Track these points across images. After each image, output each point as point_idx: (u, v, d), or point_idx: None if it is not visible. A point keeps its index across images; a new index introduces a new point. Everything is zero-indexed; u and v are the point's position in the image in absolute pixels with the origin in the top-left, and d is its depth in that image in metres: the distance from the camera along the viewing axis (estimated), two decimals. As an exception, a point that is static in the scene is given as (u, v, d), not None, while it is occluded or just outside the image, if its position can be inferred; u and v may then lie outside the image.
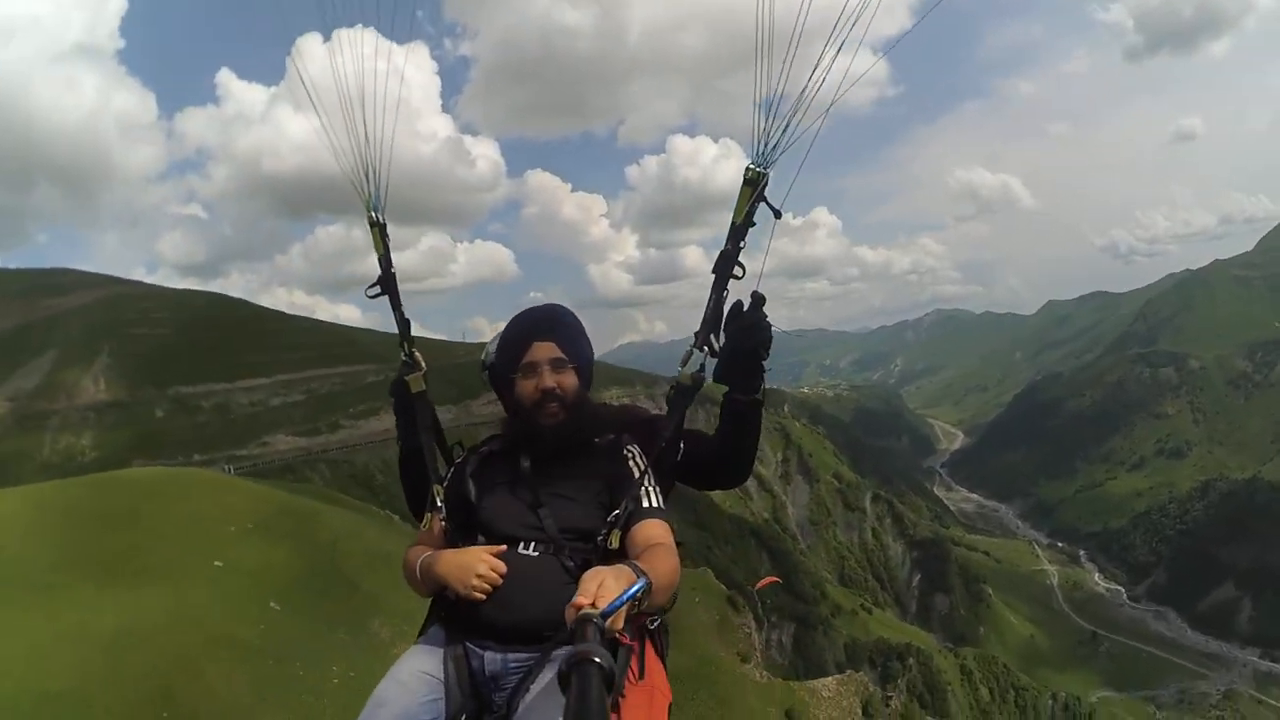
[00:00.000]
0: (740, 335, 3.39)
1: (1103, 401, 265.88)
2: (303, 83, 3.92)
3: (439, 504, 3.50)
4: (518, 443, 3.48)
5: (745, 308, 3.42)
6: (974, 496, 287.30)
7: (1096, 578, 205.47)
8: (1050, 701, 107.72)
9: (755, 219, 3.39)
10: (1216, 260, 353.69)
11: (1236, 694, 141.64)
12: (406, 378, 3.88)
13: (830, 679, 60.46)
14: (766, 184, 3.33)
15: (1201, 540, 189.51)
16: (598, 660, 1.77)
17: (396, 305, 4.07)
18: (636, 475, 3.34)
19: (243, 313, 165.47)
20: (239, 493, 35.74)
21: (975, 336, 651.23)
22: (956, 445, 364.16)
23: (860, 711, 54.14)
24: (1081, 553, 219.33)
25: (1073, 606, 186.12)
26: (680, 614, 55.06)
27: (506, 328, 3.67)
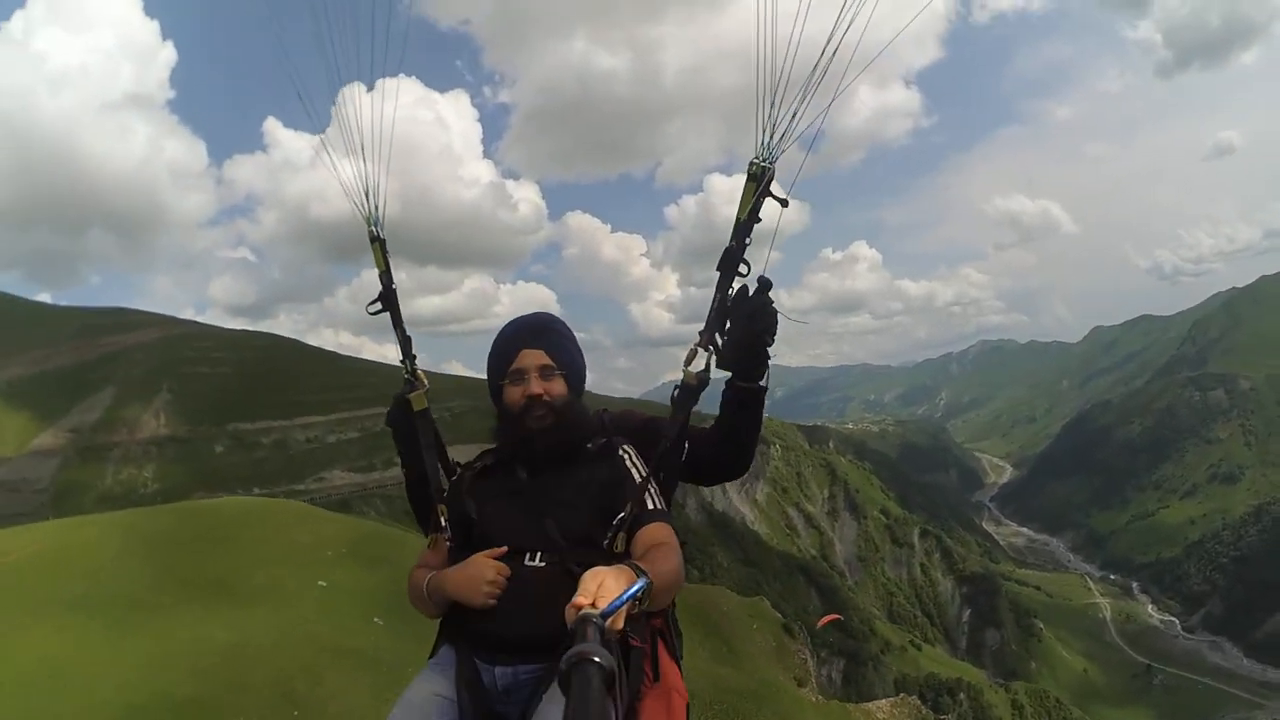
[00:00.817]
0: (745, 320, 3.36)
1: (1153, 428, 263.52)
2: (300, 98, 3.96)
3: (443, 523, 3.55)
4: (512, 453, 3.53)
5: (750, 293, 3.40)
6: (1024, 530, 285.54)
7: (1150, 609, 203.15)
8: None
9: (761, 215, 3.40)
10: (1263, 276, 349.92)
11: None
12: (409, 395, 3.89)
13: (884, 701, 61.90)
14: (771, 178, 3.34)
15: (1257, 566, 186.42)
16: (598, 660, 1.78)
17: (397, 322, 4.11)
18: (636, 478, 3.38)
19: (298, 353, 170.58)
20: (327, 521, 38.65)
21: (1021, 367, 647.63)
22: (1005, 479, 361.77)
23: None
24: (1134, 584, 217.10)
25: (1126, 639, 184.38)
26: (739, 639, 57.40)
27: (496, 336, 3.71)
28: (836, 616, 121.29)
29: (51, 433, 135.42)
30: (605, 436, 3.55)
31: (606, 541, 3.17)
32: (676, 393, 3.51)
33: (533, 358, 3.46)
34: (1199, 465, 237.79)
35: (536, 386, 3.39)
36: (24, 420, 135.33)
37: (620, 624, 2.25)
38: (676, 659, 3.31)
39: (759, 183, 3.26)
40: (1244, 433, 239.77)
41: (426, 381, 3.91)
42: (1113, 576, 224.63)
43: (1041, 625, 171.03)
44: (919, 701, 65.50)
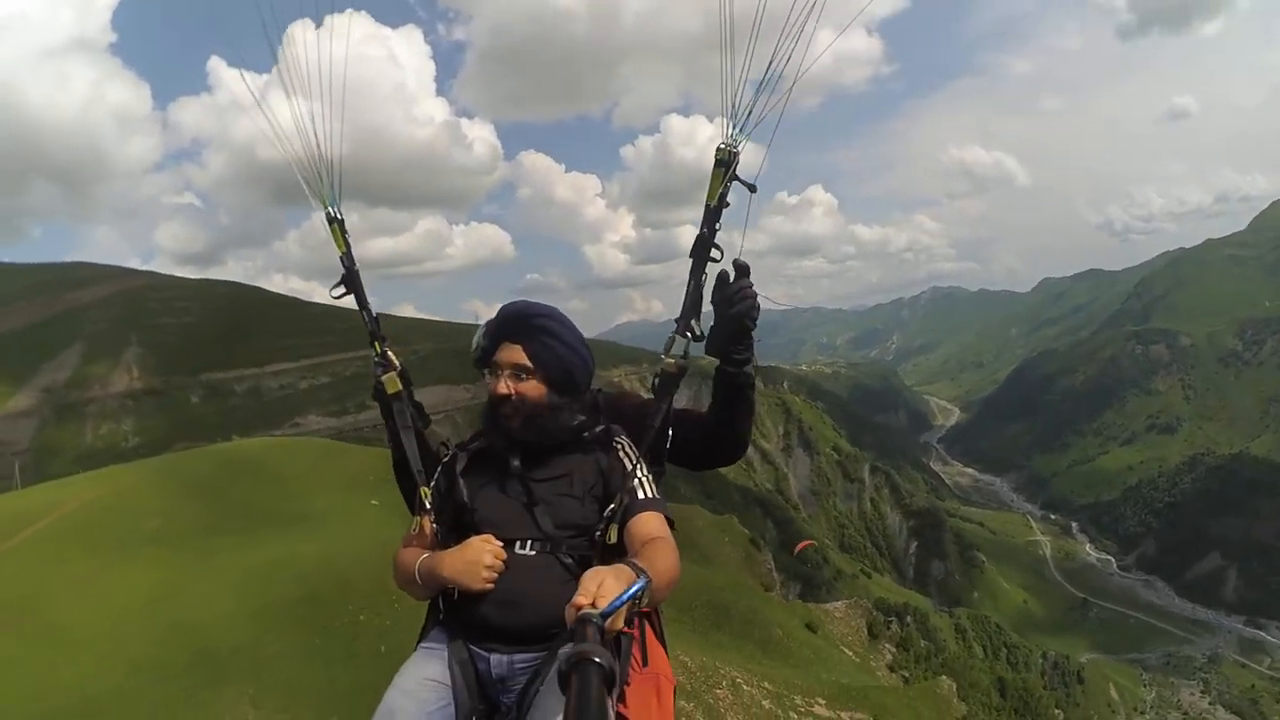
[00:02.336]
0: (725, 305, 3.32)
1: (1096, 378, 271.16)
2: (245, 82, 3.99)
3: (428, 506, 3.47)
4: (502, 440, 3.42)
5: (731, 278, 3.36)
6: (969, 470, 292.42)
7: (1088, 548, 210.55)
8: (1041, 659, 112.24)
9: (730, 199, 3.35)
10: (1209, 239, 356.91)
11: (1221, 658, 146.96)
12: (381, 378, 3.83)
13: (840, 603, 69.76)
14: (737, 163, 3.29)
15: (1190, 513, 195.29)
16: (598, 660, 1.77)
17: (363, 304, 4.00)
18: (629, 466, 3.32)
19: (261, 301, 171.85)
20: (352, 452, 42.56)
21: (971, 314, 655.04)
22: (953, 421, 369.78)
23: (866, 631, 61.10)
24: (1074, 524, 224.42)
25: (1064, 575, 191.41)
26: (712, 549, 63.24)
27: (495, 313, 3.62)
28: (811, 543, 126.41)
29: (24, 394, 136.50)
30: (601, 424, 3.52)
31: (599, 532, 3.19)
32: (656, 381, 3.53)
33: (509, 354, 3.41)
34: (1139, 415, 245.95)
35: (503, 387, 3.36)
36: None
37: (620, 624, 2.24)
38: (663, 642, 3.34)
39: (727, 168, 3.29)
40: (1183, 387, 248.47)
41: (399, 363, 3.87)
42: (1053, 516, 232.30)
43: (984, 558, 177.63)
44: (869, 604, 71.21)
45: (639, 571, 2.42)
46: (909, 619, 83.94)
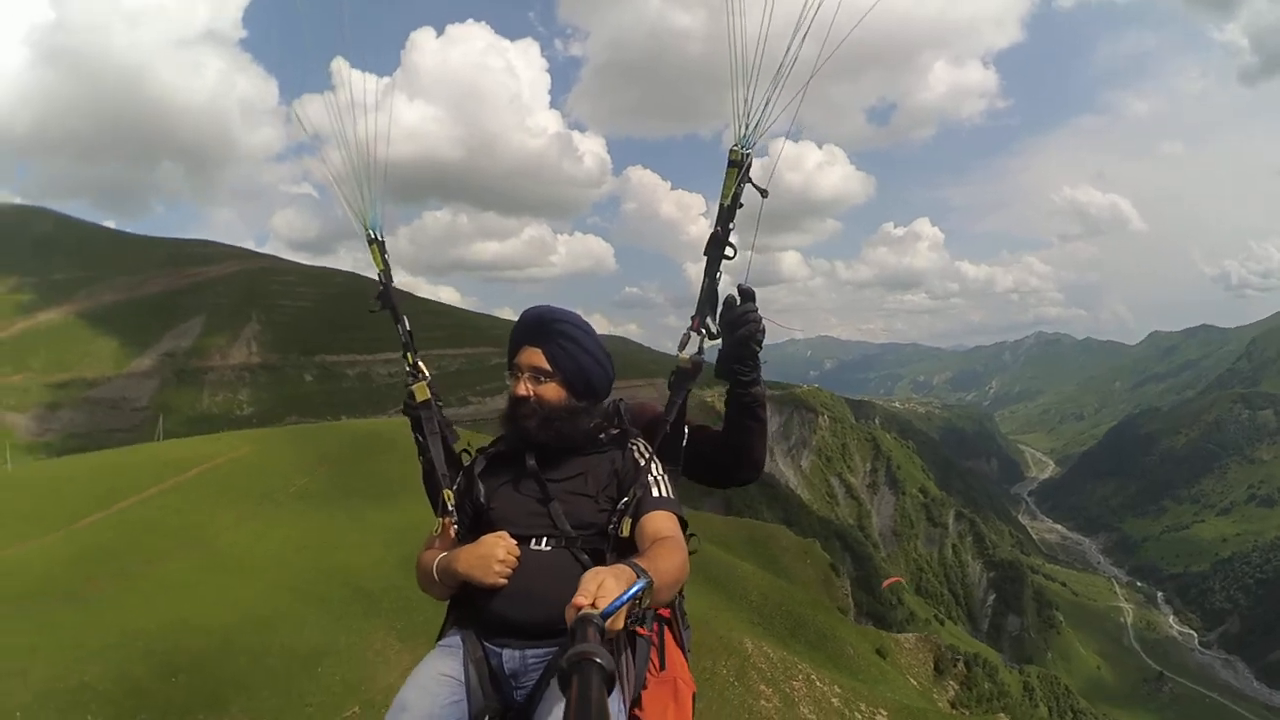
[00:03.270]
0: (731, 328, 3.41)
1: (1199, 441, 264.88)
2: (300, 123, 4.11)
3: (450, 508, 3.54)
4: (520, 441, 3.49)
5: (737, 302, 3.44)
6: (1058, 527, 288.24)
7: (1171, 620, 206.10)
8: None
9: (743, 200, 3.45)
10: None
11: None
12: (411, 386, 3.95)
13: (911, 634, 73.55)
14: (750, 165, 3.38)
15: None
16: (598, 661, 1.77)
17: (397, 319, 4.16)
18: (643, 464, 3.38)
19: (374, 291, 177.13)
20: (474, 437, 48.32)
21: (1075, 363, 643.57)
22: (1046, 474, 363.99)
23: (932, 665, 63.94)
24: (1159, 593, 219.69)
25: (1143, 646, 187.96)
26: (793, 569, 67.20)
27: (517, 319, 3.71)
28: (900, 579, 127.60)
29: (148, 356, 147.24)
30: (619, 428, 3.59)
31: (612, 526, 3.24)
32: (672, 378, 3.63)
33: (529, 357, 3.49)
34: (1239, 484, 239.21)
35: (521, 389, 3.45)
36: (119, 343, 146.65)
37: (620, 624, 2.26)
38: (683, 649, 3.39)
39: (740, 169, 3.39)
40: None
41: (428, 373, 4.03)
42: (1139, 583, 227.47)
43: (1062, 619, 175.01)
44: (939, 642, 73.25)
45: (640, 572, 2.46)
46: (977, 665, 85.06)
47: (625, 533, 3.18)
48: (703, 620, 39.52)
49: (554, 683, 2.84)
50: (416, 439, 3.93)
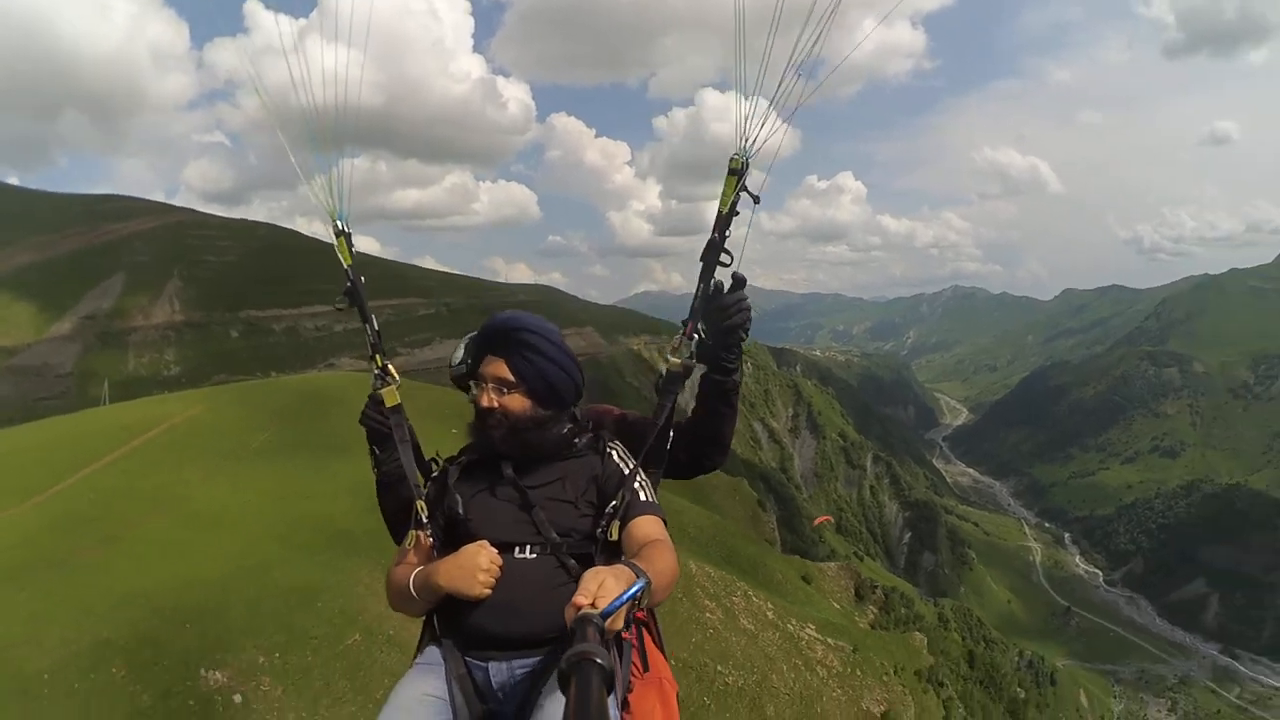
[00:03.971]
0: (718, 314, 3.36)
1: (1106, 394, 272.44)
2: (259, 94, 3.83)
3: (424, 520, 3.40)
4: (493, 450, 3.41)
5: (726, 289, 3.40)
6: (971, 471, 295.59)
7: (1077, 560, 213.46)
8: (1017, 657, 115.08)
9: (739, 208, 3.38)
10: (1235, 268, 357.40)
11: (1192, 681, 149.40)
12: (381, 390, 3.81)
13: (833, 563, 76.68)
14: (748, 173, 3.33)
15: (1181, 537, 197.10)
16: (598, 661, 1.76)
17: (366, 318, 3.97)
18: (626, 470, 3.34)
19: (298, 244, 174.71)
20: (422, 390, 49.11)
21: (990, 316, 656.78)
22: (960, 421, 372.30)
23: (853, 591, 66.98)
24: (1066, 535, 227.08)
25: (1051, 583, 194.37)
26: (724, 504, 70.00)
27: (482, 325, 3.60)
28: (829, 519, 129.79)
29: (68, 320, 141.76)
30: (591, 433, 3.57)
31: (601, 530, 3.20)
32: (661, 381, 3.58)
33: (493, 368, 3.42)
34: (1143, 435, 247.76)
35: (486, 400, 3.38)
36: (36, 307, 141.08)
37: (620, 624, 2.24)
38: (662, 649, 3.39)
39: (739, 177, 3.32)
40: (1191, 412, 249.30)
41: (398, 376, 3.89)
42: (1047, 525, 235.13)
43: (974, 556, 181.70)
44: (858, 567, 76.18)
45: (639, 572, 2.43)
46: (895, 595, 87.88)
47: (614, 536, 3.15)
48: None
49: (545, 689, 2.86)
50: (373, 451, 3.86)
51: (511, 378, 3.36)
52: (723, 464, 3.82)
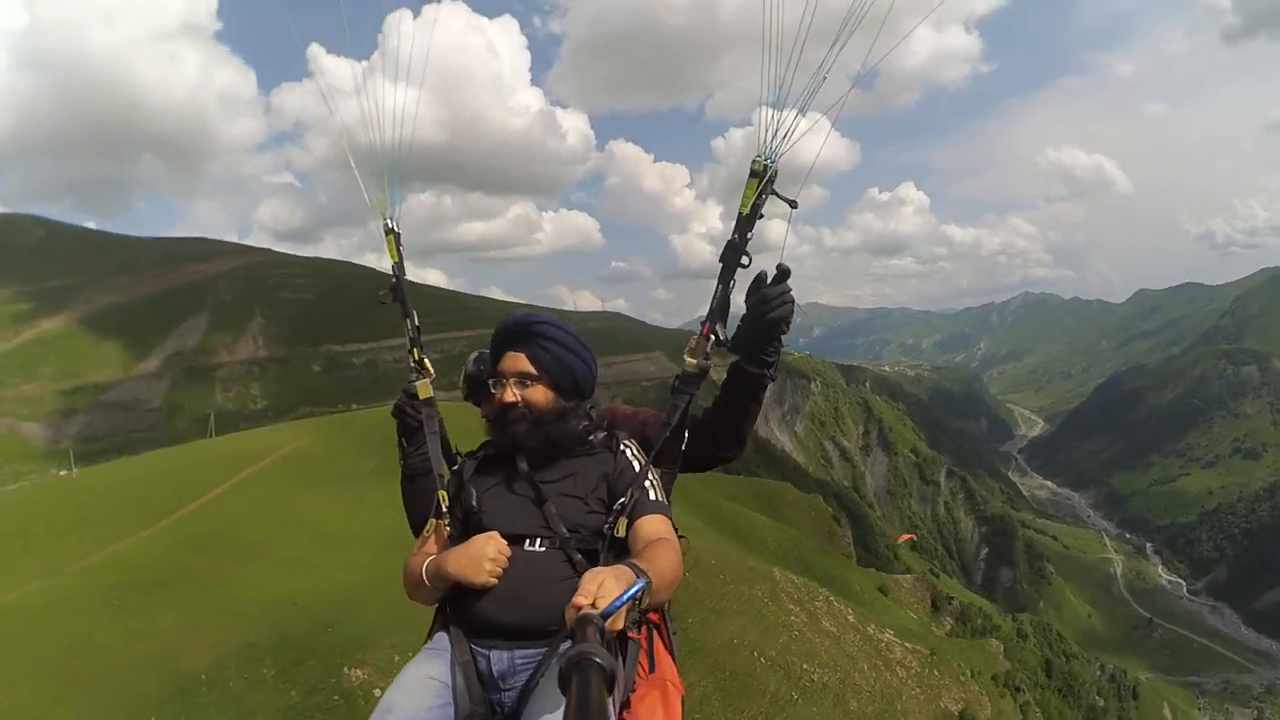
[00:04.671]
0: (763, 306, 3.28)
1: (1184, 396, 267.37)
2: (324, 96, 4.03)
3: (443, 510, 3.49)
4: (510, 446, 3.44)
5: (769, 279, 3.31)
6: (1048, 484, 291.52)
7: (1160, 570, 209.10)
8: (1098, 671, 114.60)
9: (764, 211, 3.35)
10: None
11: (1279, 690, 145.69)
12: (415, 383, 3.95)
13: (909, 575, 79.64)
14: (774, 177, 3.29)
15: (1265, 541, 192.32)
16: (598, 661, 1.75)
17: (407, 312, 4.10)
18: (638, 468, 3.36)
19: (372, 280, 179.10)
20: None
21: (1062, 323, 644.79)
22: (1035, 432, 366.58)
23: (930, 603, 69.62)
24: (1148, 545, 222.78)
25: (1133, 595, 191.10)
26: (799, 521, 73.12)
27: (496, 328, 3.63)
28: (913, 536, 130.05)
29: (155, 357, 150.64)
30: (605, 430, 3.59)
31: (608, 525, 3.23)
32: (677, 381, 3.57)
33: (512, 362, 3.47)
34: (1224, 437, 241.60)
35: (509, 395, 3.42)
36: (123, 345, 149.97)
37: (620, 624, 2.25)
38: (672, 653, 3.32)
39: (761, 179, 3.30)
40: (1272, 411, 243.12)
41: (433, 370, 4.05)
42: (1128, 536, 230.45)
43: (1053, 570, 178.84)
44: (936, 582, 78.03)
45: (639, 572, 2.45)
46: (972, 609, 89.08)
47: (620, 533, 3.21)
48: (731, 558, 46.25)
49: (544, 683, 2.92)
50: (401, 443, 4.04)
51: (533, 370, 3.44)
52: (737, 457, 3.82)
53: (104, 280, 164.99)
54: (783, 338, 3.42)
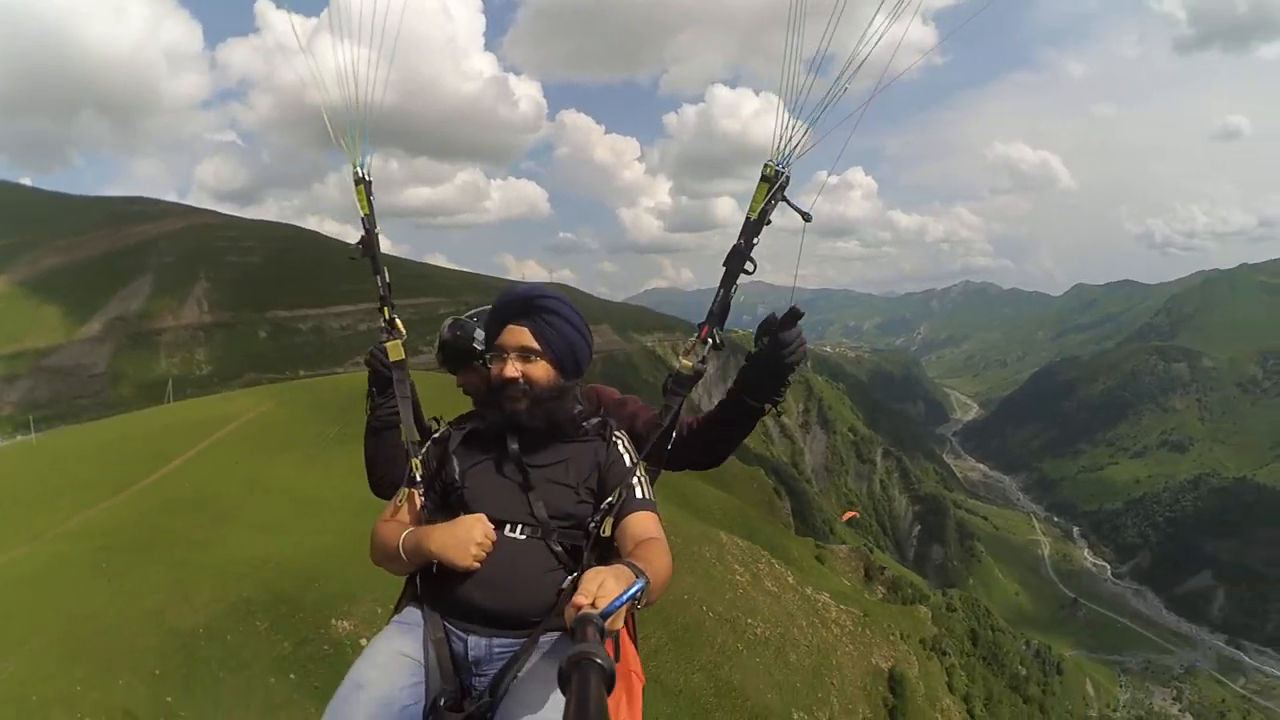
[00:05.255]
0: (781, 350, 3.25)
1: (1115, 389, 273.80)
2: (292, 26, 3.75)
3: (417, 479, 3.40)
4: (502, 423, 3.31)
5: (779, 319, 3.26)
6: (980, 466, 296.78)
7: (1086, 553, 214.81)
8: (1023, 646, 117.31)
9: (771, 219, 3.30)
10: (1245, 263, 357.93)
11: (1197, 672, 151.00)
12: (385, 344, 3.82)
13: (844, 546, 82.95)
14: (786, 185, 3.23)
15: (1188, 530, 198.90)
16: (599, 661, 1.75)
17: (378, 269, 3.94)
18: (628, 463, 3.29)
19: (319, 245, 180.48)
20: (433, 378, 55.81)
21: (1001, 312, 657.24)
22: (970, 416, 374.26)
23: (863, 572, 72.19)
24: (1075, 529, 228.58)
25: (1059, 576, 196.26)
26: (741, 490, 75.42)
27: (496, 300, 3.51)
28: (855, 514, 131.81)
29: (97, 321, 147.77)
30: (598, 415, 3.51)
31: (594, 524, 3.16)
32: (670, 382, 3.49)
33: (515, 336, 3.33)
34: (1152, 430, 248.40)
35: (510, 369, 3.28)
36: (65, 309, 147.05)
37: (619, 624, 2.24)
38: (634, 639, 3.32)
39: (772, 185, 3.24)
40: (1199, 407, 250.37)
41: (404, 330, 3.91)
42: (1056, 519, 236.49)
43: (982, 549, 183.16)
44: (868, 553, 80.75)
45: (638, 573, 2.46)
46: (903, 580, 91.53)
47: (606, 532, 3.14)
48: (681, 521, 48.77)
49: (523, 674, 2.88)
50: (371, 392, 3.94)
51: (537, 345, 3.32)
52: (713, 468, 3.83)
53: (45, 242, 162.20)
54: (790, 379, 3.37)
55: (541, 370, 3.29)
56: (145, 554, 29.59)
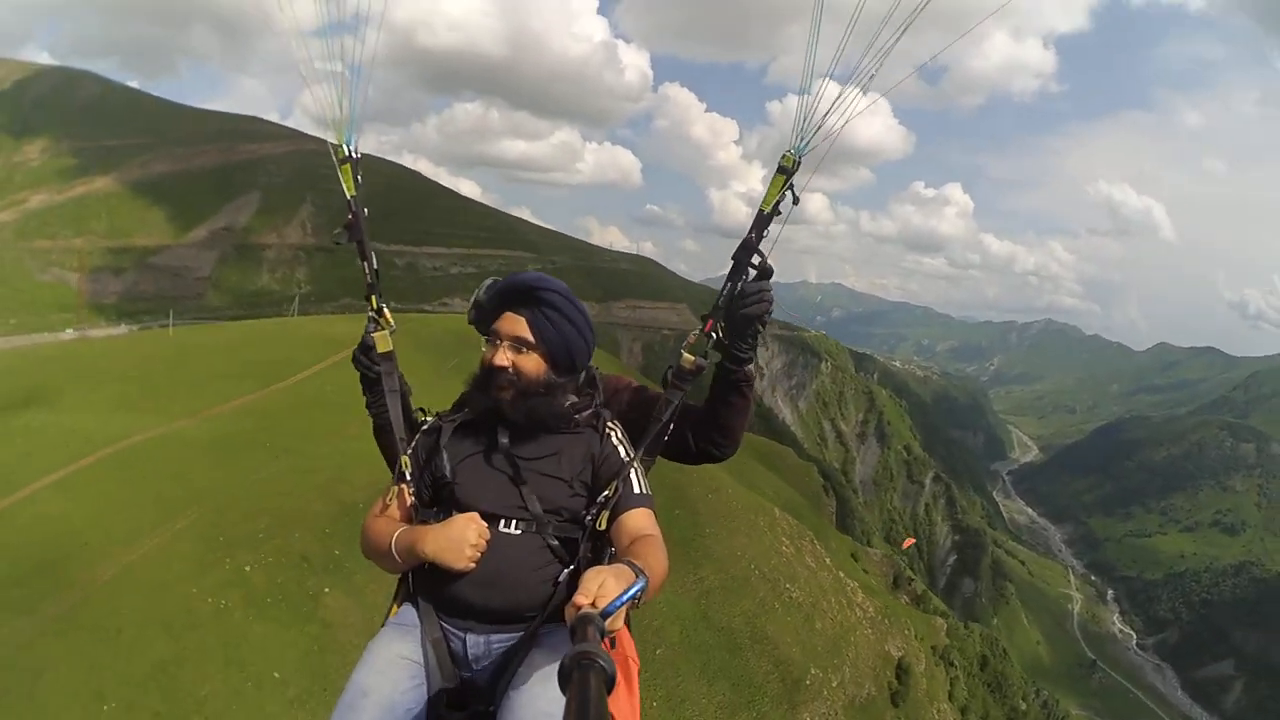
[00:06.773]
0: (739, 302, 3.28)
1: (1178, 458, 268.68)
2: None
3: (406, 476, 3.35)
4: (492, 413, 3.27)
5: (750, 277, 3.31)
6: (1029, 510, 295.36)
7: (1115, 618, 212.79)
8: (1034, 695, 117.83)
9: (780, 208, 3.27)
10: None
11: None
12: (373, 334, 3.70)
13: (879, 551, 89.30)
14: (796, 170, 3.24)
15: (1221, 615, 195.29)
16: (599, 661, 1.75)
17: (365, 255, 3.79)
18: (624, 457, 3.27)
19: (421, 186, 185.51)
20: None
21: (1079, 356, 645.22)
22: (1028, 458, 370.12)
23: (892, 580, 77.57)
24: (1110, 592, 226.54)
25: (1084, 635, 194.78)
26: (794, 483, 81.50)
27: (499, 285, 3.44)
28: (913, 541, 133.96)
29: (204, 228, 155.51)
30: (593, 405, 3.44)
31: (590, 518, 3.15)
32: (670, 374, 3.46)
33: (510, 324, 3.30)
34: (1207, 506, 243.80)
35: (501, 358, 3.25)
36: (173, 213, 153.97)
37: (619, 624, 2.23)
38: (629, 626, 3.17)
39: (788, 176, 3.24)
40: (1259, 493, 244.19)
41: (393, 322, 3.77)
42: (1093, 578, 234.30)
43: (1014, 592, 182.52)
44: (900, 562, 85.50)
45: (638, 572, 2.45)
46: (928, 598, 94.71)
47: (602, 526, 3.14)
48: (742, 493, 55.93)
49: (522, 669, 2.93)
50: (365, 392, 3.83)
51: (531, 337, 3.28)
52: (732, 455, 3.71)
53: (157, 147, 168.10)
54: (760, 334, 3.42)
55: (532, 363, 3.29)
56: (305, 438, 34.84)
